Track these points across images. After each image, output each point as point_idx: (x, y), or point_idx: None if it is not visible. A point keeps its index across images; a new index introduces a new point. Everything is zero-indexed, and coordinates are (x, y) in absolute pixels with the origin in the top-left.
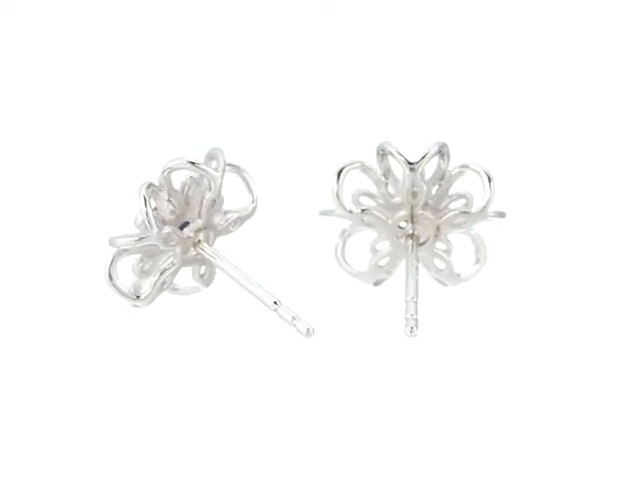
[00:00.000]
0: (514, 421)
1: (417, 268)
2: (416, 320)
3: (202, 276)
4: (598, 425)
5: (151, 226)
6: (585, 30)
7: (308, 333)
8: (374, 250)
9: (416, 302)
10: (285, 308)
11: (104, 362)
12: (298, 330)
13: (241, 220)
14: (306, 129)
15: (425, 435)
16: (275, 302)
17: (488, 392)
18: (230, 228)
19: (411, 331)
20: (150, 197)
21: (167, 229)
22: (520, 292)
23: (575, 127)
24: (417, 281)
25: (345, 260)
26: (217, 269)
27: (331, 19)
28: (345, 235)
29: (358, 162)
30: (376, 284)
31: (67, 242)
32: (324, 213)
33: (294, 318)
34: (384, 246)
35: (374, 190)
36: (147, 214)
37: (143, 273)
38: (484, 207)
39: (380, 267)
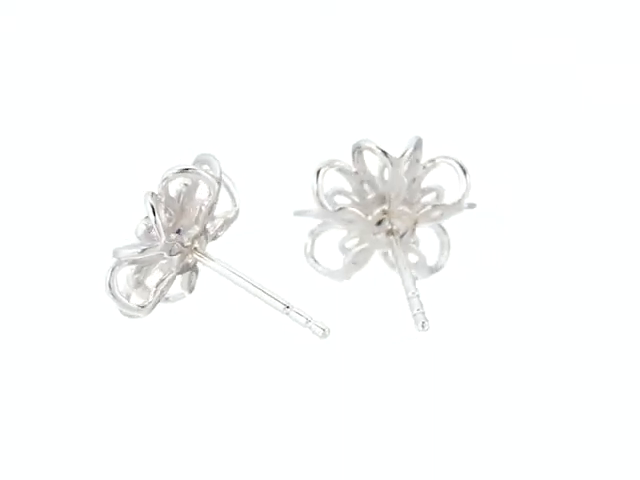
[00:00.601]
0: (519, 413)
1: (408, 262)
2: (424, 314)
3: (190, 282)
4: (597, 421)
5: (160, 235)
6: (581, 30)
7: (324, 334)
8: (343, 248)
9: (418, 296)
10: (297, 311)
11: (110, 372)
12: (314, 332)
13: (227, 224)
14: (271, 131)
15: (443, 430)
16: (287, 306)
17: (494, 385)
18: (218, 233)
19: (423, 326)
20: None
21: (173, 237)
22: (512, 283)
23: (573, 126)
24: (412, 275)
25: (315, 259)
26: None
27: (311, 21)
28: (314, 234)
29: (336, 161)
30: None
31: (59, 249)
32: (299, 214)
33: (308, 320)
34: (356, 243)
35: (349, 188)
36: (156, 222)
37: (138, 283)
38: (461, 199)
39: (354, 264)
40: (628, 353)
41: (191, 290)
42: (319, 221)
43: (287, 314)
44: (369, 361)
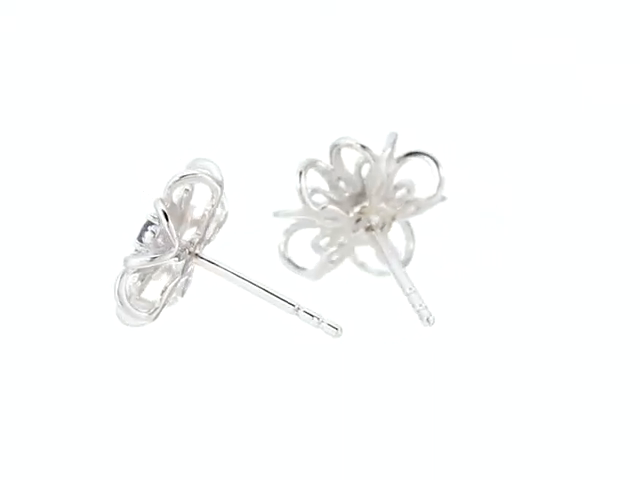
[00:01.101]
0: (523, 410)
1: (398, 257)
2: (428, 309)
3: (184, 287)
4: (596, 417)
5: (174, 241)
6: (581, 29)
7: (337, 333)
8: (317, 247)
9: (416, 291)
10: (307, 311)
11: (118, 380)
12: (326, 332)
13: (218, 227)
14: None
15: (457, 425)
16: (297, 307)
17: (501, 382)
18: (212, 238)
19: (428, 321)
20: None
21: (183, 243)
22: (512, 283)
23: (573, 126)
24: (405, 270)
25: (289, 258)
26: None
27: (293, 23)
28: (288, 233)
29: (317, 160)
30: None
31: (57, 251)
32: (279, 214)
33: (320, 320)
34: (328, 242)
35: (325, 186)
36: (169, 228)
37: (140, 291)
38: (436, 193)
39: (331, 263)
40: (627, 350)
41: (183, 294)
42: (293, 220)
43: (296, 315)
44: (378, 358)
